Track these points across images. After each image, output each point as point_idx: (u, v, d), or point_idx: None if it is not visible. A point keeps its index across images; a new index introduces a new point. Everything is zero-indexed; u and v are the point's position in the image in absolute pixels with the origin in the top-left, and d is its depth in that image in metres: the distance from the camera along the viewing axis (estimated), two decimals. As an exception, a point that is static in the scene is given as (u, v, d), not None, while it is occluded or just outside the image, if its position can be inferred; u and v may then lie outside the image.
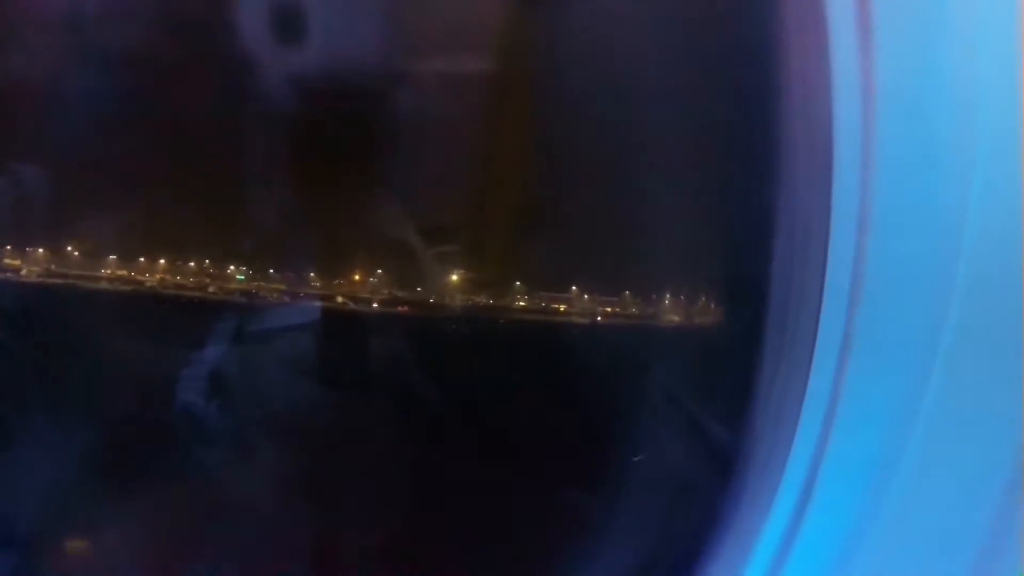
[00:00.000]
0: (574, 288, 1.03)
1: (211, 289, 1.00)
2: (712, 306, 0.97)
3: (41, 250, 1.10)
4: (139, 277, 1.03)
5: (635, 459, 0.93)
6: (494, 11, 1.04)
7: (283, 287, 1.07)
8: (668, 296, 0.98)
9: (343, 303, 1.02)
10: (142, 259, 1.09)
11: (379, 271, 1.06)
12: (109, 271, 1.07)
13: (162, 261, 1.09)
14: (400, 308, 1.05)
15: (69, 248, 1.10)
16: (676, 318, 0.93)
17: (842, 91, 0.61)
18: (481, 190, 1.09)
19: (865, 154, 0.60)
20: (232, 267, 1.08)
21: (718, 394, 0.91)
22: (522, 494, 1.00)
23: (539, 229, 1.07)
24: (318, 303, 1.04)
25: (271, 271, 1.09)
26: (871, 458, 0.60)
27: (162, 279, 1.00)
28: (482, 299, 1.03)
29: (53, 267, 1.09)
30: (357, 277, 1.10)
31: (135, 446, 1.02)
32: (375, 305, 1.04)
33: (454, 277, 1.04)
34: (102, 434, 1.03)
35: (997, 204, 0.58)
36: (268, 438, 1.08)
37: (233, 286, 1.07)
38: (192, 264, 1.09)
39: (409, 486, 1.04)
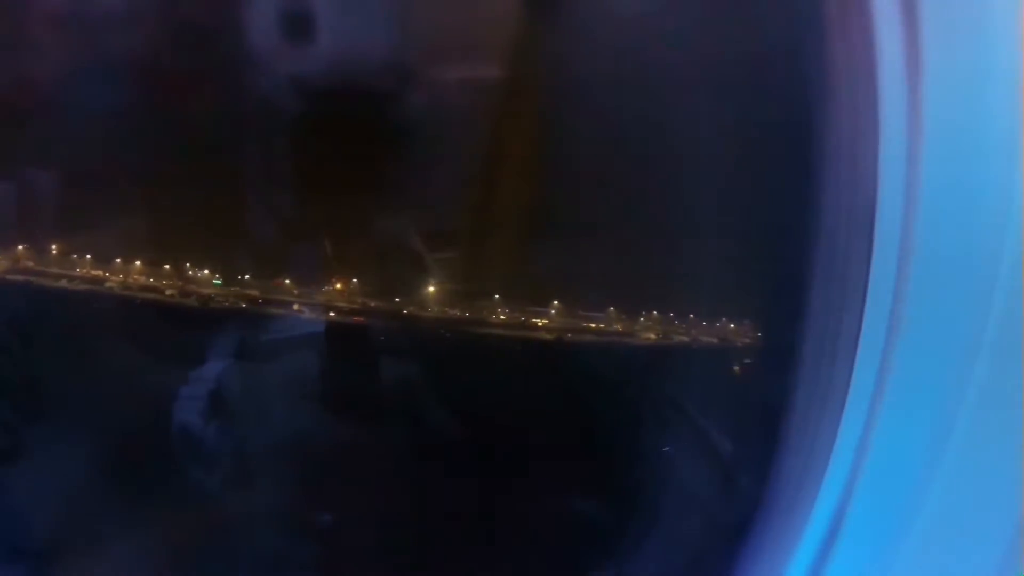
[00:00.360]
0: (556, 302, 0.97)
1: (168, 292, 0.97)
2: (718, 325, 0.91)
3: (20, 247, 1.08)
4: (103, 276, 1.00)
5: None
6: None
7: (257, 293, 1.03)
8: (656, 313, 0.92)
9: (299, 310, 0.97)
10: (117, 260, 1.07)
11: (355, 280, 1.01)
12: (84, 271, 1.05)
13: (137, 263, 1.06)
14: (373, 319, 1.00)
15: (53, 248, 1.08)
16: (653, 336, 0.87)
17: (888, 84, 0.58)
18: (471, 201, 1.05)
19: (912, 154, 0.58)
20: (207, 271, 1.05)
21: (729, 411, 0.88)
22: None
23: (528, 242, 1.02)
24: (287, 312, 1.00)
25: (246, 277, 1.05)
26: (907, 476, 0.60)
27: (125, 281, 0.97)
28: (457, 311, 0.97)
29: (31, 264, 1.07)
30: (339, 286, 1.06)
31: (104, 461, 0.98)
32: (347, 316, 0.99)
33: (431, 288, 0.99)
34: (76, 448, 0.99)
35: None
36: (250, 453, 1.03)
37: (207, 291, 1.04)
38: (167, 267, 1.06)
39: (391, 500, 0.99)
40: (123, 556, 0.96)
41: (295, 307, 0.99)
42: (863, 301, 0.61)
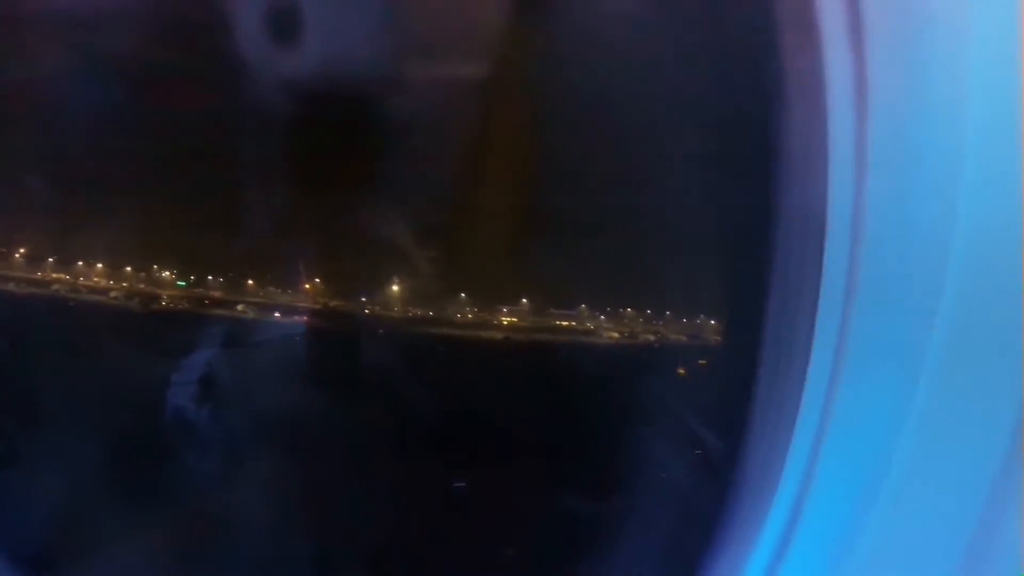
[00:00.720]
0: (524, 300, 0.93)
1: (113, 293, 0.94)
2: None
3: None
4: (62, 279, 0.97)
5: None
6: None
7: (220, 294, 1.00)
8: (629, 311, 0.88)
9: (243, 311, 0.94)
10: (80, 263, 1.04)
11: (317, 280, 0.98)
12: (44, 274, 1.02)
13: (99, 265, 1.03)
14: (339, 320, 0.96)
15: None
16: (615, 334, 0.83)
17: (836, 100, 0.60)
18: (444, 200, 1.02)
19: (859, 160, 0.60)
20: (168, 272, 1.02)
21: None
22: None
23: (503, 240, 0.99)
24: (241, 314, 0.97)
25: (209, 278, 1.02)
26: (862, 468, 0.61)
27: (74, 283, 0.94)
28: (421, 311, 0.94)
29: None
30: (308, 286, 1.03)
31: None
32: (309, 316, 0.95)
33: (395, 287, 0.95)
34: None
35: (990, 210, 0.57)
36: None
37: (170, 292, 1.01)
38: (128, 268, 1.03)
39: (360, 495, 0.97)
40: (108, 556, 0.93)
41: (239, 307, 0.96)
42: (816, 301, 0.62)
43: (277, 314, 1.01)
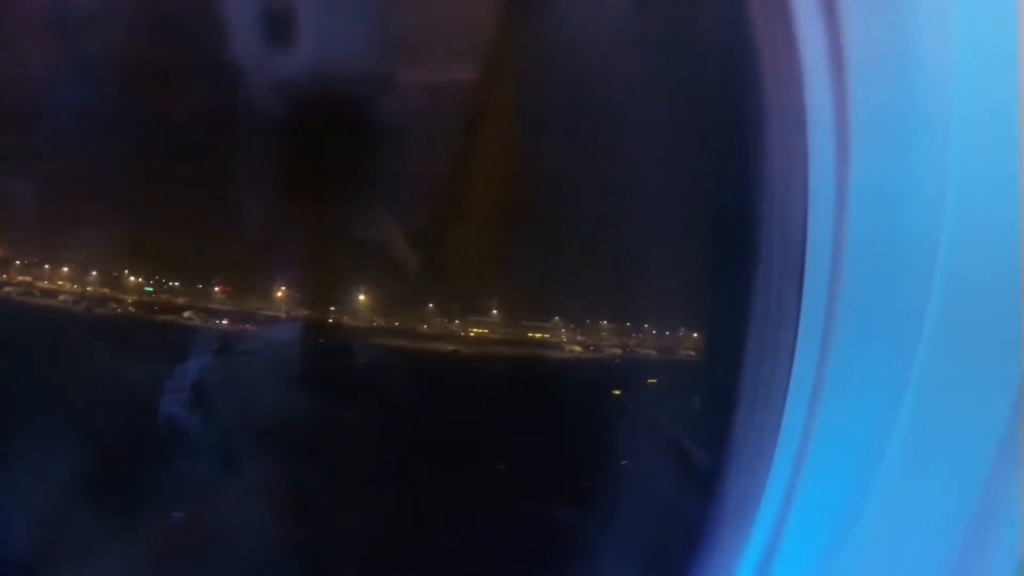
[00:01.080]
0: (494, 311, 0.88)
1: (62, 297, 0.90)
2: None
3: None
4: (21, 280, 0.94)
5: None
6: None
7: (184, 300, 0.96)
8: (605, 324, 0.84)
9: (189, 316, 0.90)
10: (46, 266, 1.01)
11: (283, 288, 0.94)
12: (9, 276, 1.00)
13: (64, 269, 1.00)
14: (305, 329, 0.92)
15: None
16: (578, 348, 0.78)
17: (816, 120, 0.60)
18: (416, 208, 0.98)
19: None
20: (133, 278, 0.98)
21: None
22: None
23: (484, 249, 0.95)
24: (208, 321, 0.93)
25: (176, 284, 0.98)
26: (847, 477, 0.61)
27: (31, 285, 0.91)
28: (385, 321, 0.90)
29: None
30: (278, 295, 1.00)
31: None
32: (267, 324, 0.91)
33: (368, 296, 0.91)
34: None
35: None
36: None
37: (134, 298, 0.98)
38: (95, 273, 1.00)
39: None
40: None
41: (186, 314, 0.92)
42: (798, 308, 0.62)
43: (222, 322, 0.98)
